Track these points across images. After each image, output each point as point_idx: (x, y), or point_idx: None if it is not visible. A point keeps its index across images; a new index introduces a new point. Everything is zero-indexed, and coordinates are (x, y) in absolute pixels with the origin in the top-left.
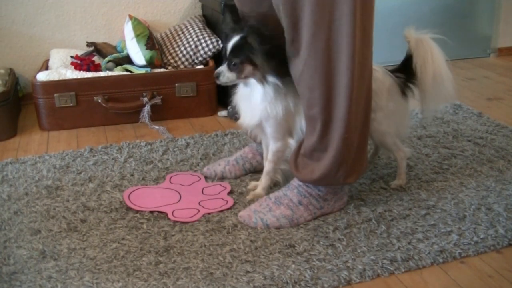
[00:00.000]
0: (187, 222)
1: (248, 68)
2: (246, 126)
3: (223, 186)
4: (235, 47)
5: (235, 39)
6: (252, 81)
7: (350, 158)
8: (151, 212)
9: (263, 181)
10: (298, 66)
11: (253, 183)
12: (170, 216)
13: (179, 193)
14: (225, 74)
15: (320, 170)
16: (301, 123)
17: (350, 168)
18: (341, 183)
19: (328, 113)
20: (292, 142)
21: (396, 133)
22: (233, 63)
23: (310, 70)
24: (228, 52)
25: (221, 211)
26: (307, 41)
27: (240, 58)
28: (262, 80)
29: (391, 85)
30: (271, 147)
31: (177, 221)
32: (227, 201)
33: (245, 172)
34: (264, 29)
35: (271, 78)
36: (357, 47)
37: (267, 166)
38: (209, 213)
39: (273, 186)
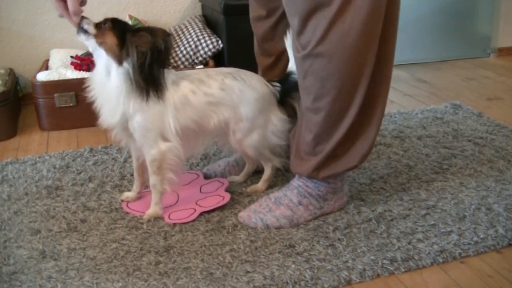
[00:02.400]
0: (185, 223)
1: (112, 39)
2: (108, 125)
3: (221, 182)
4: (119, 20)
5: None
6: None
7: (352, 144)
8: None
9: (153, 196)
10: (307, 59)
11: (125, 194)
12: (166, 219)
13: (177, 194)
14: (89, 23)
15: (315, 162)
16: (172, 124)
17: (355, 151)
18: (345, 170)
19: (339, 104)
20: (169, 146)
21: (267, 144)
22: (104, 22)
23: (323, 61)
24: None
25: (218, 208)
26: (322, 32)
27: (114, 24)
28: (117, 59)
29: (266, 94)
30: (146, 158)
31: (174, 223)
32: (223, 197)
33: None
34: (160, 42)
35: (126, 64)
36: (378, 36)
37: (151, 179)
38: (205, 212)
39: (272, 186)
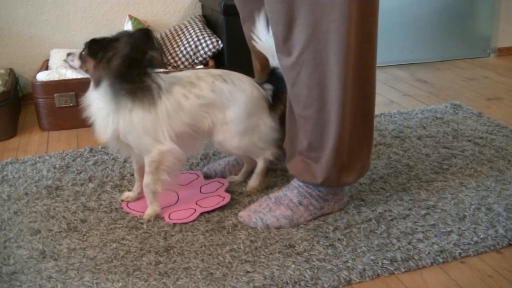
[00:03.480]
0: (185, 223)
1: (90, 64)
2: (102, 140)
3: (221, 183)
4: (96, 40)
5: (102, 35)
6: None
7: (348, 158)
8: None
9: (146, 196)
10: (294, 66)
11: (126, 194)
12: (166, 219)
13: (177, 193)
14: (73, 58)
15: (322, 173)
16: (165, 130)
17: (351, 168)
18: (342, 183)
19: (324, 113)
20: (168, 147)
21: (256, 144)
22: (83, 49)
23: (309, 70)
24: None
25: (218, 208)
26: (306, 40)
27: (90, 48)
28: (94, 82)
29: (256, 98)
30: (145, 159)
31: (174, 223)
32: (224, 197)
33: None
34: (136, 50)
35: (104, 85)
36: (356, 48)
37: (145, 178)
38: (206, 212)
39: (272, 186)
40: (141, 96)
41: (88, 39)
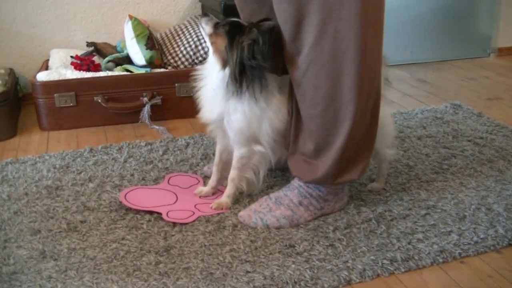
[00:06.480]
0: (183, 223)
1: (222, 42)
2: (205, 120)
3: (221, 191)
4: (238, 23)
5: (247, 24)
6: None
7: (352, 157)
8: (150, 213)
9: (228, 188)
10: (301, 65)
11: (200, 189)
12: (164, 216)
13: (176, 195)
14: (208, 22)
15: (323, 170)
16: (267, 129)
17: (352, 166)
18: (343, 181)
19: (333, 113)
20: (260, 149)
21: None
22: (223, 24)
23: (315, 69)
24: (229, 18)
25: (216, 214)
26: (313, 39)
27: (229, 28)
28: (222, 64)
29: None
30: (235, 153)
31: (171, 222)
32: None
33: None
34: (272, 46)
35: (228, 71)
36: (367, 47)
37: (232, 173)
38: (203, 216)
39: (272, 186)
40: (259, 91)
41: (228, 19)
